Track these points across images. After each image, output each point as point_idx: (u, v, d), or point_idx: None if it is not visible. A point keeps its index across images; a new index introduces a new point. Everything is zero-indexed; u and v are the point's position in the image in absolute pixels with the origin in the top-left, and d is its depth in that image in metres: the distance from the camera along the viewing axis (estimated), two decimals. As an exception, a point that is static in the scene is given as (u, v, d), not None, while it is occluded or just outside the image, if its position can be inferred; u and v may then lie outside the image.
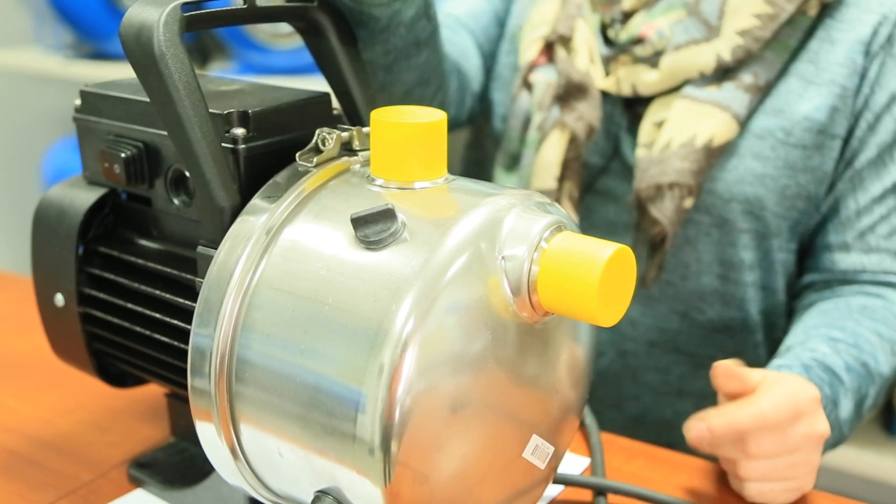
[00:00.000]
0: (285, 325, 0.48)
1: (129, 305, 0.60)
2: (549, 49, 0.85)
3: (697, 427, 0.61)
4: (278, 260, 0.50)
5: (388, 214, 0.47)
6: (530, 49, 0.86)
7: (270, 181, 0.53)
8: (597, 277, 0.46)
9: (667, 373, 0.86)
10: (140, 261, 0.60)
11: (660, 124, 0.79)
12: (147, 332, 0.60)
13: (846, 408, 0.70)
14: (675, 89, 0.80)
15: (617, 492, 0.63)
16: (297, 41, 1.69)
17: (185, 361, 0.58)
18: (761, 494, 0.63)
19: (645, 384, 0.87)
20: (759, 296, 0.83)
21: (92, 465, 0.68)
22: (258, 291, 0.50)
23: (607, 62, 0.83)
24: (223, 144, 0.54)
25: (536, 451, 0.52)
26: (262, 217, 0.51)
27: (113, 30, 2.10)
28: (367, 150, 0.56)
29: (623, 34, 0.82)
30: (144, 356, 0.61)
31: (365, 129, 0.57)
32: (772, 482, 0.62)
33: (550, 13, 0.85)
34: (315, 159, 0.54)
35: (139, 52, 0.51)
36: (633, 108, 0.82)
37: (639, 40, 0.81)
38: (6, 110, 2.40)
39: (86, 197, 0.63)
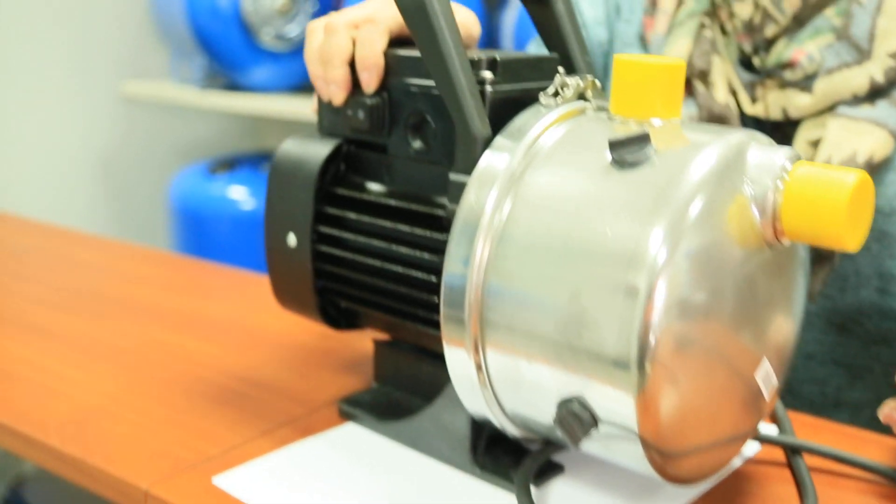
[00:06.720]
0: (543, 237, 0.52)
1: (363, 239, 0.65)
2: (686, 84, 0.88)
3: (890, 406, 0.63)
4: (533, 185, 0.54)
5: (643, 139, 0.51)
6: None
7: (514, 119, 0.58)
8: (846, 200, 0.49)
9: (823, 385, 0.87)
10: (375, 198, 0.65)
11: (815, 143, 0.81)
12: (380, 265, 0.64)
13: None
14: (825, 110, 0.82)
15: (814, 451, 0.64)
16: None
17: (420, 291, 0.63)
18: None
19: (801, 396, 0.88)
20: None
21: (302, 403, 0.72)
22: (515, 212, 0.54)
23: (751, 88, 0.86)
24: (471, 86, 0.59)
25: (766, 376, 0.55)
26: (512, 149, 0.56)
27: (249, 62, 2.22)
28: (600, 100, 0.61)
29: (770, 60, 0.84)
30: (373, 288, 0.66)
31: (598, 83, 0.61)
32: None
33: (684, 50, 0.89)
34: (556, 101, 0.59)
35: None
36: (780, 130, 0.85)
37: (788, 65, 0.83)
38: (139, 138, 2.52)
39: (323, 145, 0.68)
